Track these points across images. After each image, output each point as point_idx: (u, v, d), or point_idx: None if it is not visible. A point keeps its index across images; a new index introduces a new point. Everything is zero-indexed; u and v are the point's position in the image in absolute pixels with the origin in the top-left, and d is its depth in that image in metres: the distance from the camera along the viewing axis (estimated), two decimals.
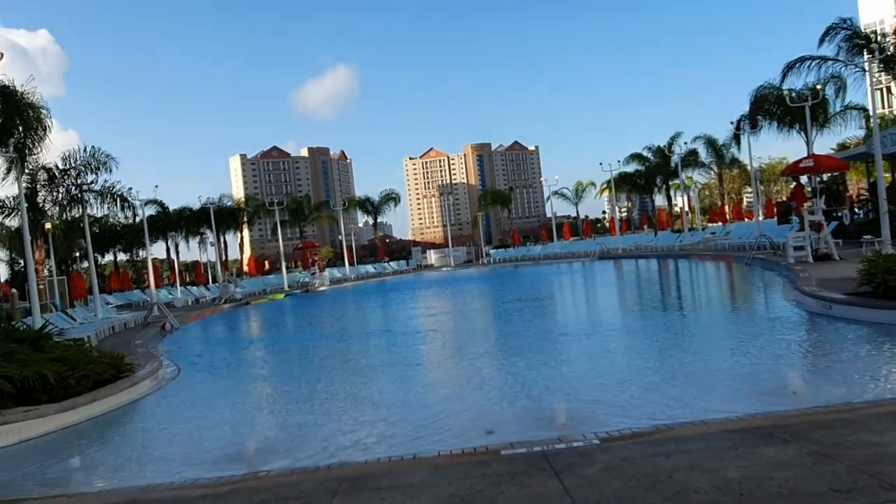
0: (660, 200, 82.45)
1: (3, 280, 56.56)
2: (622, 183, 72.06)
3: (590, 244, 66.38)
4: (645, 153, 70.30)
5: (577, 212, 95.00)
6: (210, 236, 60.69)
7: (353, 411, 11.01)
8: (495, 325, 22.56)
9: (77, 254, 69.86)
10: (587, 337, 16.56)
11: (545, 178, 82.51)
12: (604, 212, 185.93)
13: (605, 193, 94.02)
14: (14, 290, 30.68)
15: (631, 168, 71.39)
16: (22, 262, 43.31)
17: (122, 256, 79.71)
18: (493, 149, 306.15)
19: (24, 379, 11.48)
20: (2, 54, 16.88)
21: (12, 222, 41.93)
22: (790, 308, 16.95)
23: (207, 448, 9.32)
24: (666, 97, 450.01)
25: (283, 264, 58.69)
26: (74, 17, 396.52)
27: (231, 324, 32.81)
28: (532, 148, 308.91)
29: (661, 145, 69.57)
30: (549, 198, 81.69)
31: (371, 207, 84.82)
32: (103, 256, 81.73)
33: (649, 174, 70.09)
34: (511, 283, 41.01)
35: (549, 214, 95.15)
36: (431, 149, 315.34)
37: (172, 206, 70.11)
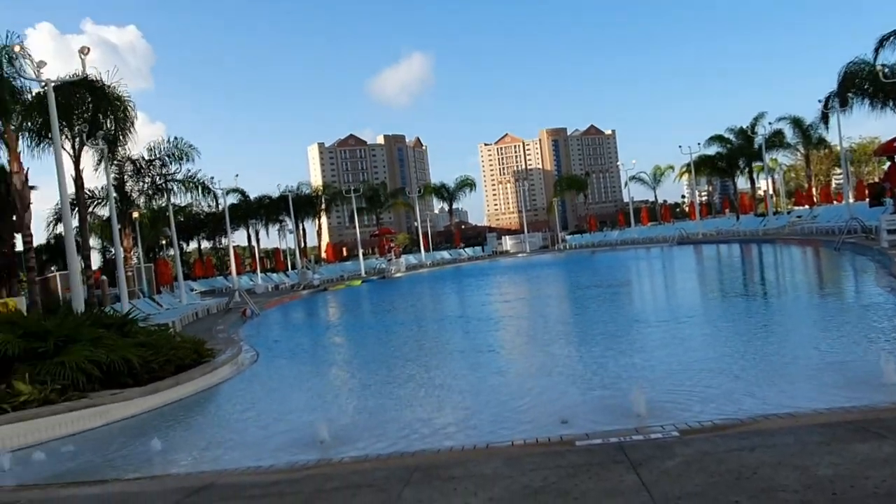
0: (742, 183, 79.86)
1: (95, 267, 59.02)
2: (702, 166, 70.00)
3: (668, 229, 64.97)
4: (726, 135, 68.06)
5: (656, 196, 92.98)
6: (289, 224, 61.79)
7: (428, 398, 11.00)
8: (571, 311, 22.27)
9: (163, 242, 72.19)
10: (666, 324, 16.13)
11: (622, 163, 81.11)
12: (683, 196, 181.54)
13: (685, 177, 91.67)
14: (104, 277, 31.91)
15: (712, 150, 69.23)
16: (113, 250, 45.11)
17: (205, 244, 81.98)
18: (568, 133, 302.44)
19: (110, 363, 11.87)
20: (88, 49, 17.44)
21: (102, 211, 43.61)
22: (884, 294, 16.15)
23: (284, 432, 9.42)
24: (748, 77, 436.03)
25: (360, 251, 59.37)
26: (160, 12, 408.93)
27: (309, 310, 33.37)
28: (608, 132, 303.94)
29: (744, 126, 67.16)
30: (626, 182, 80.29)
31: (446, 194, 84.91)
32: (188, 244, 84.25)
33: (731, 156, 67.83)
34: (587, 269, 40.46)
35: (626, 199, 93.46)
36: (506, 134, 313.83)
37: (253, 194, 71.68)
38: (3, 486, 8.10)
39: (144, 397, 11.85)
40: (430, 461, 6.79)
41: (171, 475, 7.81)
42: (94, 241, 66.84)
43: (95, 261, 62.90)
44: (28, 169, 24.38)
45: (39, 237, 53.75)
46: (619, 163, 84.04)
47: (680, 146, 63.05)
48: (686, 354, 12.13)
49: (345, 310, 32.48)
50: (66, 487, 7.49)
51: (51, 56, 30.46)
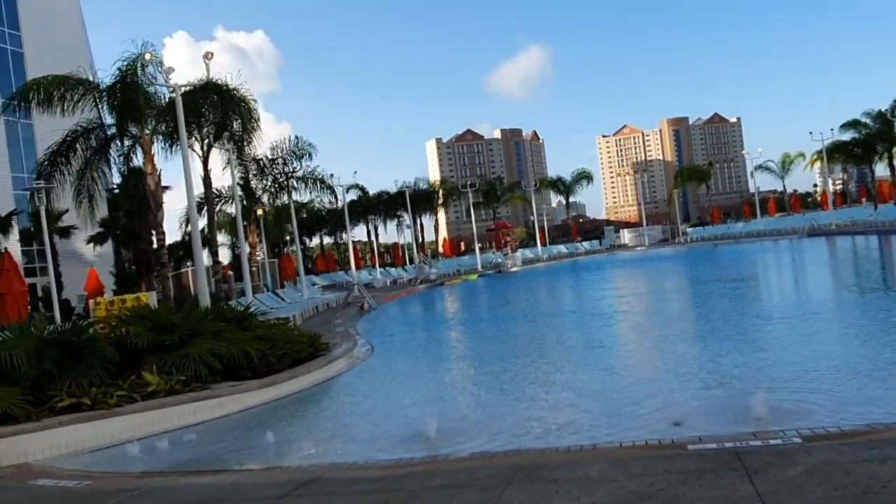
0: (881, 171, 74.75)
1: (226, 262, 61.84)
2: (836, 153, 66.01)
3: (798, 220, 61.76)
4: (863, 119, 63.94)
5: (784, 186, 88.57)
6: (406, 219, 62.74)
7: (537, 395, 10.84)
8: (690, 306, 21.50)
9: (287, 238, 74.87)
10: (792, 321, 15.29)
11: (747, 151, 77.52)
12: (815, 185, 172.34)
13: (816, 165, 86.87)
14: (231, 273, 33.36)
15: (846, 136, 65.22)
16: (248, 245, 47.17)
17: (327, 239, 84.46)
18: (690, 123, 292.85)
19: (230, 356, 12.32)
20: (212, 54, 18.21)
21: (230, 209, 45.62)
22: None
23: (393, 427, 9.50)
24: (884, 56, 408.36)
25: (476, 245, 59.55)
26: (286, 16, 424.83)
27: (425, 304, 33.75)
28: (733, 120, 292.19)
29: (883, 109, 62.96)
30: (752, 172, 76.79)
31: (563, 187, 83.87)
32: (311, 239, 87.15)
33: (868, 142, 63.63)
34: (708, 263, 39.00)
35: (751, 189, 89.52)
36: (625, 126, 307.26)
37: (372, 190, 73.16)
38: (130, 472, 8.56)
39: (262, 390, 12.24)
40: (536, 461, 6.65)
41: (282, 467, 8.00)
42: (223, 238, 70.29)
43: (225, 256, 65.99)
44: (161, 170, 25.78)
45: (176, 235, 56.87)
46: (744, 151, 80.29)
47: (811, 132, 59.63)
48: (813, 354, 11.42)
49: (459, 304, 32.64)
50: (185, 476, 7.81)
51: (186, 63, 32.18)
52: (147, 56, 18.90)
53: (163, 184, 26.17)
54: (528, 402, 10.35)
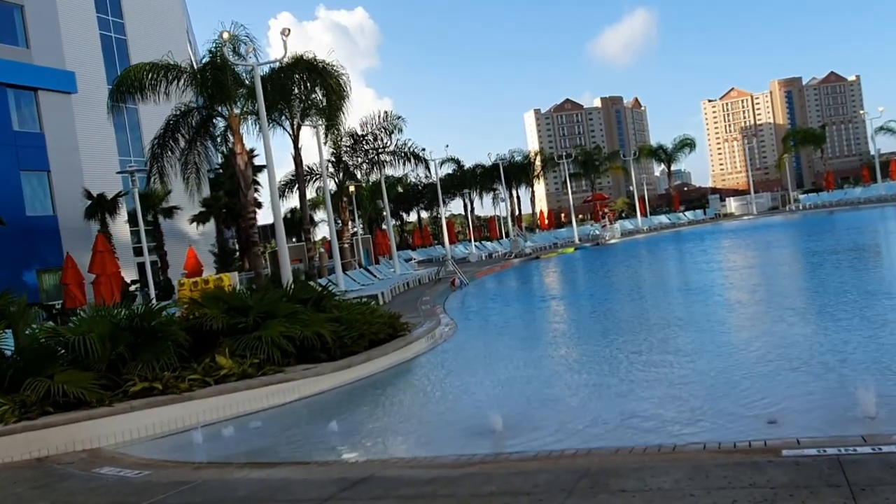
0: None
1: (322, 238, 62.81)
2: None
3: None
4: None
5: None
6: (501, 192, 61.92)
7: (621, 384, 10.01)
8: (799, 282, 20.01)
9: (384, 213, 75.35)
10: None
11: (866, 112, 72.44)
12: None
13: None
14: (323, 250, 33.54)
15: None
16: (340, 222, 47.62)
17: (424, 214, 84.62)
18: (804, 83, 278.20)
19: (303, 339, 12.05)
20: (289, 30, 17.96)
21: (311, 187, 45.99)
22: None
23: (462, 417, 8.97)
24: None
25: (573, 217, 58.23)
26: None
27: (517, 279, 33.04)
28: (851, 78, 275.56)
29: None
30: (873, 133, 71.86)
31: (664, 155, 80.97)
32: (408, 214, 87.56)
33: None
34: (823, 232, 36.60)
35: (872, 152, 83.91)
36: (732, 89, 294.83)
37: (469, 163, 72.41)
38: (191, 461, 8.35)
39: (336, 373, 11.91)
40: (603, 465, 5.95)
41: (338, 462, 7.61)
42: (322, 215, 71.36)
43: (324, 233, 66.96)
44: (255, 150, 26.05)
45: (281, 211, 57.98)
46: (862, 112, 75.07)
47: None
48: None
49: (552, 280, 31.78)
50: (240, 468, 7.50)
51: (291, 43, 32.36)
52: (225, 35, 18.81)
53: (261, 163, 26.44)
54: (607, 393, 9.54)
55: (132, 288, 30.65)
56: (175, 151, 26.15)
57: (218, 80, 24.05)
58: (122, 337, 10.64)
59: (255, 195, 59.99)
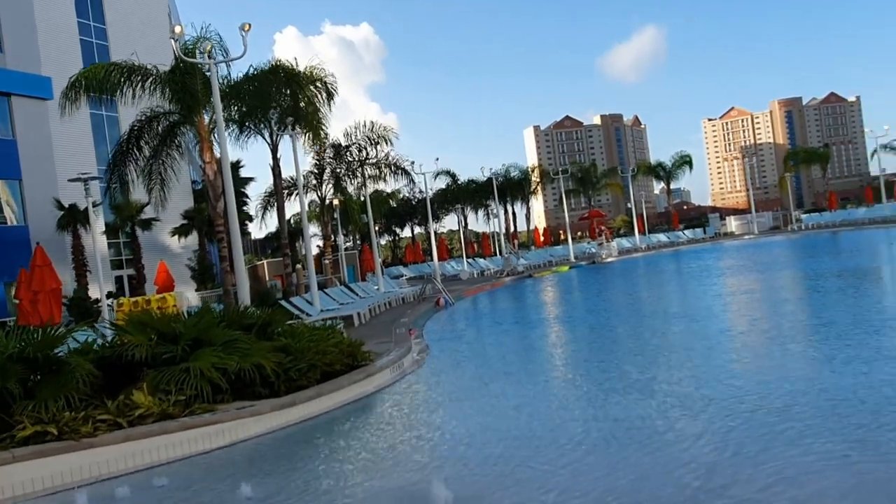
0: None
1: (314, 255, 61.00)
2: None
3: None
4: None
5: None
6: (494, 207, 60.29)
7: (608, 447, 8.31)
8: (805, 309, 18.32)
9: (377, 228, 73.64)
10: None
11: (871, 130, 70.76)
12: None
13: None
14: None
15: None
16: (332, 237, 45.84)
17: (418, 229, 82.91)
18: (804, 103, 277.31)
19: (240, 371, 10.38)
20: (249, 26, 16.47)
21: (312, 197, 44.34)
22: None
23: (405, 482, 7.26)
24: None
25: (569, 234, 56.61)
26: (389, 7, 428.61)
27: (507, 299, 31.37)
28: (852, 99, 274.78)
29: None
30: (874, 152, 70.29)
31: (663, 173, 79.40)
32: (402, 229, 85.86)
33: None
34: (827, 253, 35.00)
35: (873, 172, 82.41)
36: (733, 108, 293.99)
37: (465, 177, 70.45)
38: None
39: (277, 412, 10.24)
40: None
41: None
42: (315, 229, 69.69)
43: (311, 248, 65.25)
44: (240, 161, 24.39)
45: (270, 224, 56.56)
46: (867, 129, 73.35)
47: None
48: None
49: (542, 301, 30.08)
50: None
51: (297, 56, 30.94)
52: (177, 30, 17.18)
53: (247, 175, 24.91)
54: (584, 457, 7.72)
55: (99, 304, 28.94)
56: (139, 161, 24.59)
57: (187, 84, 22.51)
58: (12, 370, 8.96)
59: (245, 208, 58.58)
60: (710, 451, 7.15)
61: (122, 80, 22.35)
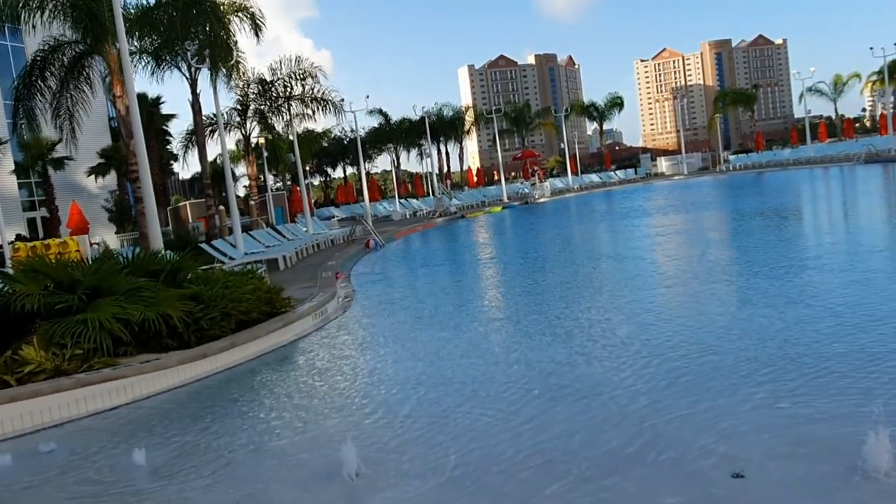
0: None
1: (243, 196, 59.11)
2: None
3: (853, 146, 57.24)
4: None
5: (836, 110, 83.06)
6: (427, 147, 59.35)
7: (528, 405, 7.89)
8: (727, 247, 18.28)
9: (309, 168, 71.94)
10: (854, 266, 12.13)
11: (797, 72, 71.74)
12: (863, 109, 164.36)
13: (868, 89, 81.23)
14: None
15: None
16: (261, 178, 44.12)
17: (351, 170, 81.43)
18: (733, 45, 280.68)
19: (144, 322, 9.59)
20: None
21: (230, 138, 42.60)
22: None
23: (313, 447, 6.67)
24: None
25: (502, 175, 56.26)
26: None
27: (438, 240, 30.87)
28: (779, 41, 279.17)
29: None
30: (801, 95, 71.52)
31: (596, 113, 79.50)
32: (334, 169, 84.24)
33: None
34: (752, 193, 35.45)
35: (798, 115, 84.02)
36: (664, 49, 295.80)
37: (397, 117, 69.09)
38: None
39: (185, 365, 9.51)
40: None
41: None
42: (243, 169, 67.70)
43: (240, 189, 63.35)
44: (160, 97, 22.95)
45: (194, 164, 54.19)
46: (794, 71, 74.39)
47: (871, 47, 54.00)
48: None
49: (473, 242, 29.66)
50: None
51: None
52: None
53: (169, 111, 23.48)
54: (512, 416, 7.38)
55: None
56: (46, 94, 22.91)
57: (92, 10, 20.87)
58: None
59: (168, 147, 56.23)
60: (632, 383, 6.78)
61: (20, 4, 20.56)
